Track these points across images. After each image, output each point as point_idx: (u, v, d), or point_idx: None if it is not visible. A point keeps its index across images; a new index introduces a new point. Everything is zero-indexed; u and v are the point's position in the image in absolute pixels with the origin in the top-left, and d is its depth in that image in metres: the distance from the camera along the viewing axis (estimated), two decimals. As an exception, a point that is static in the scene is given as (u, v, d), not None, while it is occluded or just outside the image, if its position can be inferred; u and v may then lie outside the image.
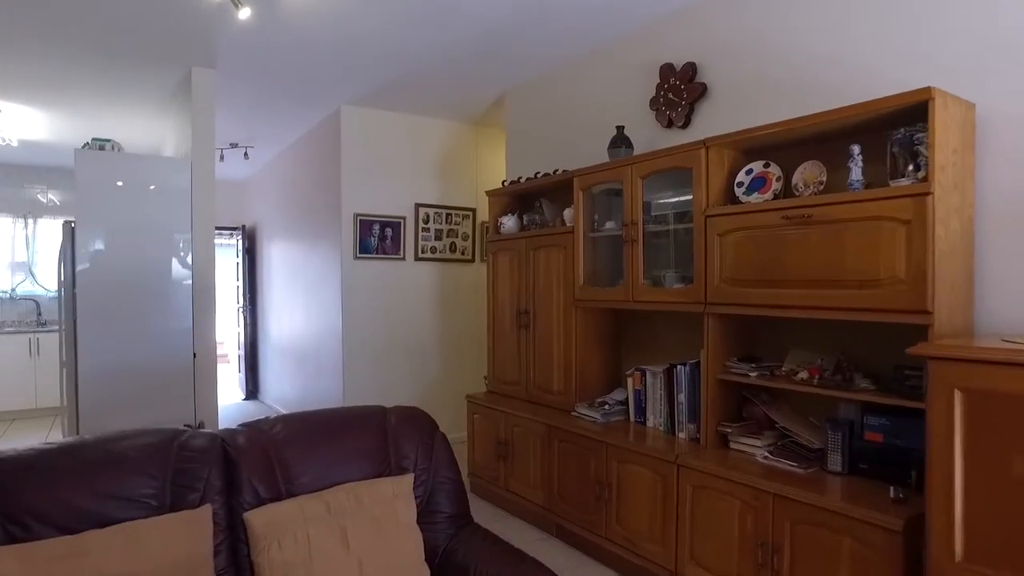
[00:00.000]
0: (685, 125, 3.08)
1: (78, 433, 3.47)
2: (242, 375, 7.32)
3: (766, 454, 2.38)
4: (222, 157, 5.87)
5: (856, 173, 2.08)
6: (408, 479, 1.81)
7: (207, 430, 1.71)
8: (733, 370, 2.54)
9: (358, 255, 4.69)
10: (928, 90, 1.81)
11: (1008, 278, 1.95)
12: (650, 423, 2.97)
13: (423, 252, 4.98)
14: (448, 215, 5.11)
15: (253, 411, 6.55)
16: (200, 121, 3.83)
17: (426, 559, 1.74)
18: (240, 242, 7.28)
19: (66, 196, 6.62)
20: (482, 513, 3.55)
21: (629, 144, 3.15)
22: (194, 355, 3.77)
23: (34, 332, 6.12)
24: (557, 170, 3.52)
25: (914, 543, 1.76)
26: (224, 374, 8.77)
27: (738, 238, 2.41)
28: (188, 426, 3.65)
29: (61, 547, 1.30)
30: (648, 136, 3.25)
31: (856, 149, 2.09)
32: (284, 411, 6.20)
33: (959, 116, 1.91)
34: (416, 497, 1.83)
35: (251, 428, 1.77)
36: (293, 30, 3.33)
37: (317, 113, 4.85)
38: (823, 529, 1.97)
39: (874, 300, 1.97)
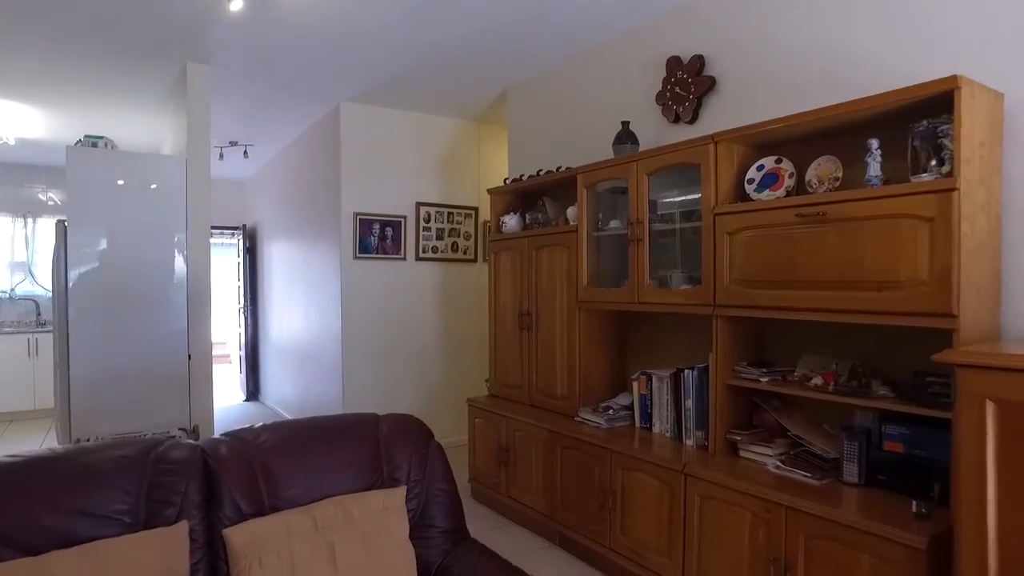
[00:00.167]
0: (692, 120, 2.98)
1: (70, 436, 3.39)
2: (243, 376, 7.25)
3: (778, 463, 2.27)
4: (221, 156, 5.80)
5: (874, 168, 1.97)
6: (400, 492, 1.72)
7: (187, 440, 1.62)
8: (743, 375, 2.44)
9: (358, 255, 4.60)
10: (954, 79, 1.70)
11: (1037, 279, 1.84)
12: (656, 429, 2.86)
13: (424, 252, 4.88)
14: (450, 214, 5.01)
15: (253, 413, 6.47)
16: (195, 117, 3.74)
17: (419, 577, 1.65)
18: (241, 242, 7.20)
19: (66, 195, 6.56)
20: (483, 520, 3.46)
21: (634, 140, 3.05)
22: (189, 357, 3.69)
23: (33, 333, 6.06)
24: (560, 167, 3.42)
25: (940, 562, 1.65)
26: (225, 375, 8.73)
27: (749, 237, 2.31)
28: (183, 430, 3.59)
29: (21, 570, 1.21)
30: (654, 132, 3.14)
31: (874, 143, 1.98)
32: (285, 413, 6.13)
33: (987, 106, 1.79)
34: (409, 511, 1.73)
35: (234, 437, 1.67)
36: (289, 25, 3.24)
37: (316, 110, 4.76)
38: (840, 545, 1.86)
39: (894, 303, 1.86)
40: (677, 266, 2.79)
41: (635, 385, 2.97)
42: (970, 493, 1.41)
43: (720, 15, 2.84)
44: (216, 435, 3.96)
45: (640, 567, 2.57)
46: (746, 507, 2.16)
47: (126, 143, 5.43)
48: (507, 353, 3.69)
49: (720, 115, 2.84)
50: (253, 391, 7.20)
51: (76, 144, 3.56)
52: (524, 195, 3.87)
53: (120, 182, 3.49)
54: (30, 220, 6.54)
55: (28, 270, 6.53)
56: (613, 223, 3.06)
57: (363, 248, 4.62)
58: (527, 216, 3.67)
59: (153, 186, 3.57)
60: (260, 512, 1.55)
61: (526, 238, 3.52)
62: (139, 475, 1.43)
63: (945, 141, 1.76)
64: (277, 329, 6.40)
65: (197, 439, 3.56)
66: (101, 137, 3.54)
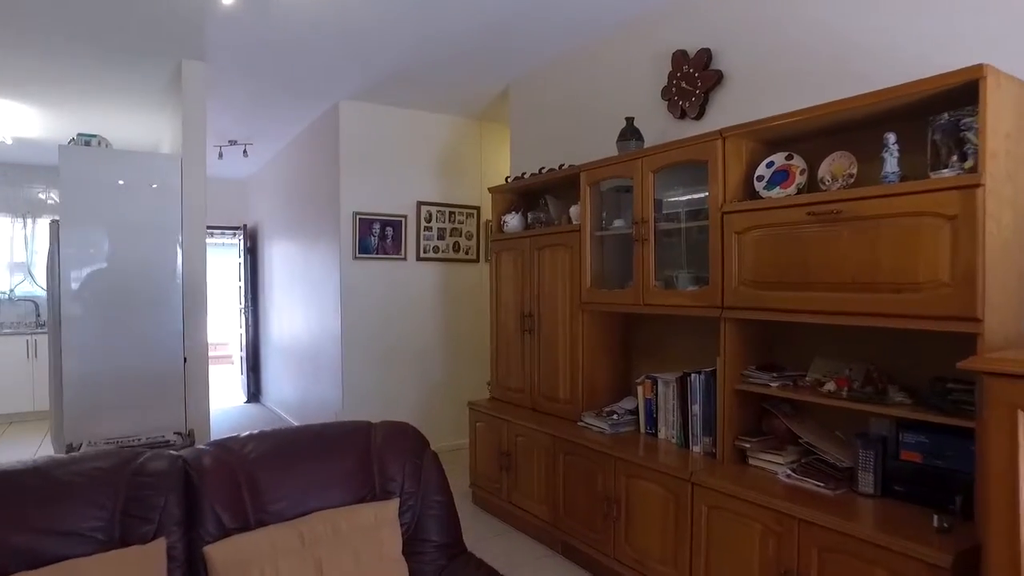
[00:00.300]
0: (699, 116, 2.88)
1: (64, 440, 3.33)
2: (244, 377, 7.18)
3: (789, 472, 2.18)
4: (221, 155, 5.74)
5: (891, 164, 1.88)
6: (393, 505, 1.63)
7: (168, 451, 1.54)
8: (752, 380, 2.34)
9: (357, 255, 4.53)
10: (980, 67, 1.61)
11: (1064, 281, 1.75)
12: (662, 435, 2.77)
13: (425, 252, 4.80)
14: (451, 213, 4.93)
15: (254, 414, 6.41)
16: (190, 115, 3.68)
17: (412, 595, 1.57)
18: (242, 242, 7.14)
19: (58, 194, 6.52)
20: (484, 527, 3.38)
21: (639, 136, 2.96)
22: (184, 359, 3.62)
23: (32, 334, 6.02)
24: (563, 165, 3.33)
25: (963, 581, 1.56)
26: (227, 376, 8.68)
27: (758, 236, 2.22)
28: (178, 434, 3.52)
29: (-17, 593, 1.13)
30: (659, 128, 3.05)
31: (891, 138, 1.88)
32: (286, 415, 6.06)
33: (1014, 97, 1.70)
34: (402, 524, 1.65)
35: (219, 447, 1.60)
36: (286, 20, 3.17)
37: (315, 109, 4.69)
38: (856, 560, 1.77)
39: (913, 305, 1.77)
40: (683, 267, 2.70)
41: (640, 389, 2.88)
42: (1000, 509, 1.32)
43: (728, 7, 2.75)
44: (211, 439, 3.91)
45: (645, 578, 2.48)
46: (756, 518, 2.07)
47: (126, 143, 5.38)
48: (509, 356, 3.61)
49: (728, 110, 2.75)
50: (254, 393, 7.14)
51: (69, 143, 3.49)
52: (526, 194, 3.79)
53: (121, 182, 3.43)
54: (30, 220, 6.49)
55: (28, 271, 6.48)
56: (617, 222, 2.97)
57: (363, 248, 4.55)
58: (529, 215, 3.59)
59: (154, 185, 3.50)
60: (244, 527, 1.48)
61: (528, 238, 3.44)
62: (115, 489, 1.35)
63: (968, 134, 1.66)
64: (278, 330, 6.33)
65: (192, 443, 3.51)
66: (94, 135, 3.47)
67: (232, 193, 7.44)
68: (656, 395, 2.79)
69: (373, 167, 4.60)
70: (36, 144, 5.56)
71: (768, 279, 2.19)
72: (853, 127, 2.15)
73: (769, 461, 2.28)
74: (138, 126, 5.08)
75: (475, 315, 4.98)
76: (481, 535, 3.28)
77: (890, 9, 2.16)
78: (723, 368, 2.37)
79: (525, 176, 3.60)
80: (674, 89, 2.97)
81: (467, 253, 5.02)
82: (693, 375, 2.60)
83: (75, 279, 3.33)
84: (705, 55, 2.82)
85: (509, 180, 3.75)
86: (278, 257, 6.25)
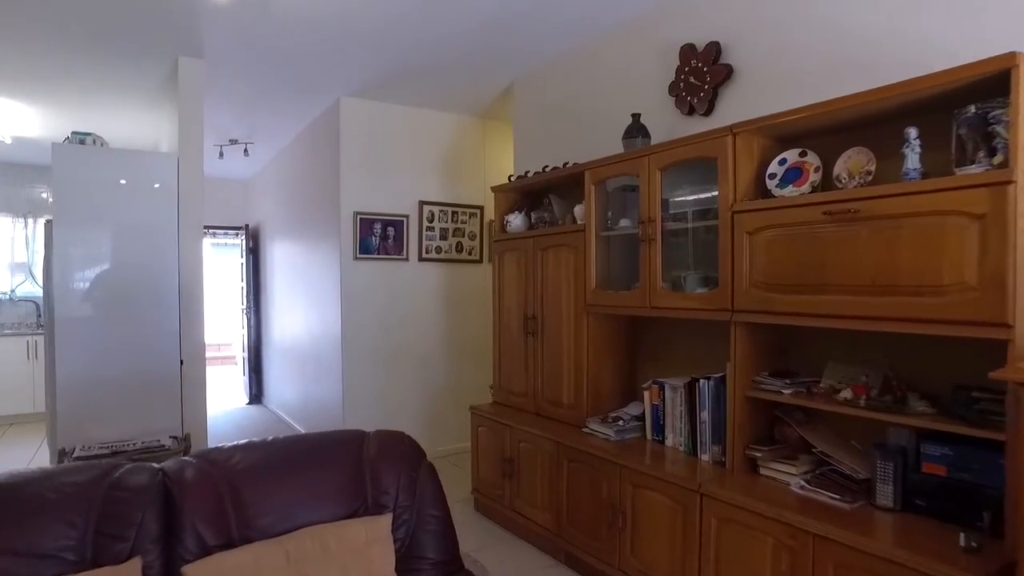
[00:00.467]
0: (708, 112, 2.79)
1: (56, 444, 3.26)
2: (246, 379, 7.13)
3: (802, 483, 2.08)
4: (222, 154, 5.68)
5: (912, 161, 1.78)
6: (385, 520, 1.55)
7: (151, 465, 1.46)
8: (764, 386, 2.25)
9: (358, 255, 4.45)
10: (1012, 56, 1.51)
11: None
12: (669, 442, 2.68)
13: (427, 252, 4.72)
14: (454, 213, 4.85)
15: (255, 417, 6.35)
16: (187, 113, 3.61)
17: (405, 616, 1.49)
18: (244, 242, 7.08)
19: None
20: (486, 534, 3.29)
21: (646, 133, 2.86)
22: (181, 362, 3.55)
23: (33, 335, 5.97)
24: (567, 163, 3.24)
25: (992, 604, 1.46)
26: (229, 377, 8.63)
27: (771, 237, 2.12)
28: (174, 438, 3.45)
29: (-61, 621, 1.05)
30: (667, 125, 2.96)
31: (912, 132, 1.79)
32: (287, 417, 6.00)
33: (1045, 89, 1.60)
34: (396, 540, 1.57)
35: (203, 459, 1.52)
36: (285, 16, 3.10)
37: (316, 106, 4.61)
38: (875, 579, 1.67)
39: (936, 310, 1.67)
40: (692, 268, 2.61)
41: (646, 395, 2.78)
42: (1036, 532, 1.23)
43: (738, -1, 2.65)
44: (209, 442, 3.84)
45: (652, 592, 2.39)
46: (768, 532, 1.97)
47: (125, 142, 5.32)
48: (511, 359, 3.52)
49: (738, 106, 2.66)
50: (256, 394, 7.08)
51: (64, 141, 3.42)
52: (529, 193, 3.70)
53: (123, 182, 3.37)
54: (30, 220, 6.45)
55: (28, 271, 6.44)
56: (623, 222, 2.88)
57: (364, 248, 4.47)
58: (532, 215, 3.50)
59: (155, 185, 3.43)
60: (228, 544, 1.40)
61: (531, 238, 3.35)
62: (88, 505, 1.28)
63: (998, 128, 1.56)
64: (279, 331, 6.27)
65: (188, 448, 3.44)
66: (89, 134, 3.41)
67: (234, 193, 7.39)
68: (663, 401, 2.70)
69: (374, 166, 4.52)
70: (37, 144, 5.51)
71: (781, 281, 2.09)
72: (871, 122, 2.05)
73: (781, 471, 2.19)
74: (138, 125, 5.02)
75: (478, 317, 4.89)
76: (483, 543, 3.19)
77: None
78: (733, 373, 2.28)
79: (528, 175, 3.51)
80: (682, 84, 2.88)
81: (470, 254, 4.93)
82: (702, 380, 2.50)
83: (69, 280, 3.26)
84: (714, 49, 2.72)
85: (512, 179, 3.66)
86: (279, 257, 6.19)
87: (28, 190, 6.45)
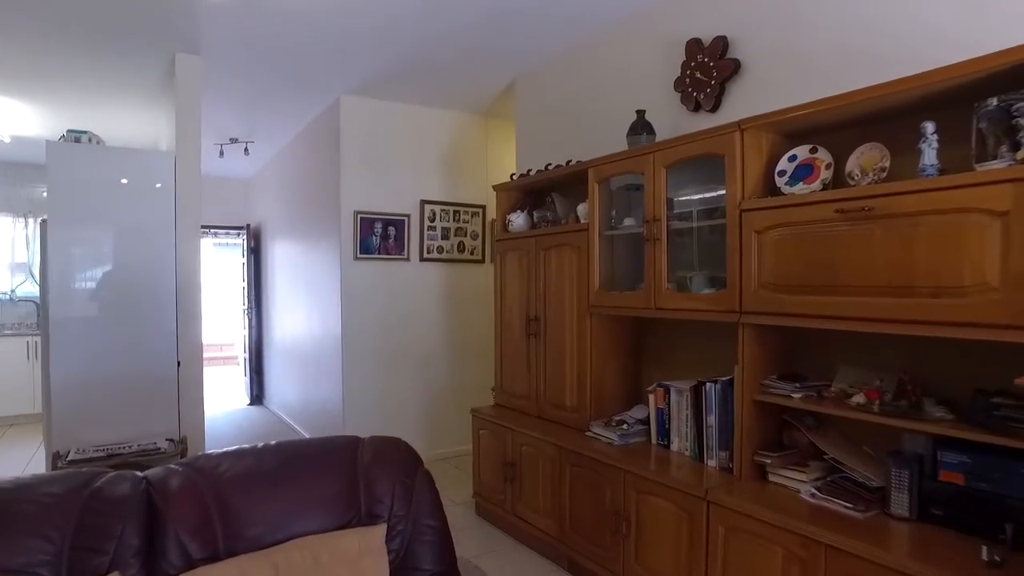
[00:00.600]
0: (714, 108, 2.72)
1: (51, 446, 3.22)
2: (247, 379, 7.08)
3: (813, 491, 2.01)
4: (222, 153, 5.63)
5: (929, 156, 1.71)
6: (379, 531, 1.49)
7: (135, 474, 1.40)
8: (773, 390, 2.18)
9: (359, 255, 4.39)
10: (1037, 45, 1.44)
11: None
12: (675, 447, 2.61)
13: (429, 252, 4.66)
14: (456, 212, 4.78)
15: (256, 418, 6.30)
16: (184, 111, 3.55)
17: (400, 631, 1.42)
18: (245, 242, 7.04)
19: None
20: (487, 539, 3.23)
21: (651, 130, 2.80)
22: (178, 363, 3.50)
23: (33, 335, 5.93)
24: (570, 161, 3.18)
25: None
26: (231, 377, 8.59)
27: (780, 236, 2.05)
28: (170, 440, 3.40)
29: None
30: (672, 121, 2.89)
31: (929, 127, 1.71)
32: (288, 419, 5.94)
33: (1072, 80, 1.53)
34: (390, 552, 1.50)
35: (189, 467, 1.46)
36: (283, 13, 3.04)
37: (316, 104, 4.56)
38: (891, 593, 1.60)
39: (955, 312, 1.60)
40: (698, 268, 2.53)
41: (651, 398, 2.72)
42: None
43: (745, -9, 2.58)
44: (206, 445, 3.78)
45: (657, 601, 2.32)
46: (778, 542, 1.90)
47: (125, 141, 5.28)
48: (513, 361, 3.46)
49: (745, 102, 2.59)
50: (257, 395, 7.03)
51: (60, 139, 3.37)
52: (532, 192, 3.63)
53: (124, 181, 3.32)
54: (31, 220, 6.42)
55: (29, 271, 6.41)
56: (627, 221, 2.81)
57: (364, 248, 4.41)
58: (535, 214, 3.44)
59: (156, 184, 3.38)
60: (213, 557, 1.34)
61: (533, 238, 3.28)
62: (65, 517, 1.22)
63: (1022, 121, 1.49)
64: (280, 332, 6.22)
65: (185, 450, 3.39)
66: (85, 132, 3.36)
67: (236, 192, 7.35)
68: (669, 404, 2.63)
69: (375, 165, 4.46)
70: (37, 143, 5.46)
71: (791, 282, 2.02)
72: (885, 117, 1.98)
73: (791, 478, 2.12)
74: (137, 124, 4.98)
75: (481, 317, 4.83)
76: (484, 548, 3.13)
77: (925, -12, 1.99)
78: (741, 377, 2.21)
79: (531, 173, 3.45)
80: (688, 80, 2.81)
81: (472, 253, 4.87)
82: (708, 384, 2.43)
83: (63, 280, 3.22)
84: (721, 43, 2.65)
85: (514, 177, 3.60)
86: (280, 257, 6.14)
87: (28, 189, 6.42)
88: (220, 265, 10.72)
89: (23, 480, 1.27)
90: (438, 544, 1.57)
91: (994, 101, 1.57)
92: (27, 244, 6.41)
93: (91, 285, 3.29)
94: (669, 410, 2.63)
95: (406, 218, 4.55)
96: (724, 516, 2.07)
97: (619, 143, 2.98)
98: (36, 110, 4.62)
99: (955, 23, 1.90)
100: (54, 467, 3.07)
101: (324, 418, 4.86)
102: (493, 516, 3.41)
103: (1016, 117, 1.50)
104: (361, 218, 4.38)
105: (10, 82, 4.00)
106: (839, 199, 1.86)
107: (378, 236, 4.46)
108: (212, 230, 7.39)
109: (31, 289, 6.40)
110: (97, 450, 3.16)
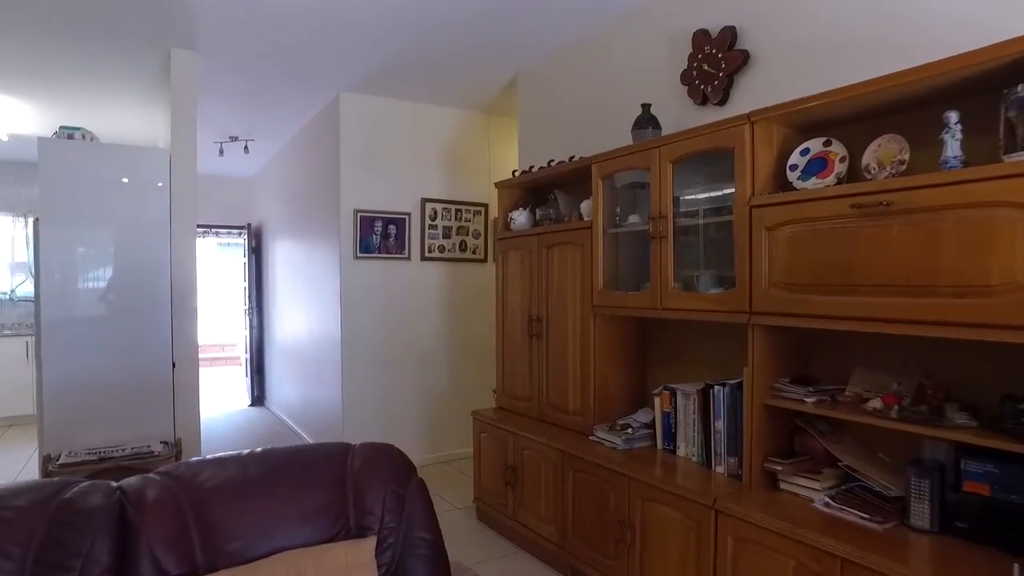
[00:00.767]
0: (723, 101, 2.63)
1: (43, 449, 3.15)
2: (249, 380, 7.02)
3: (827, 500, 1.92)
4: (222, 152, 5.57)
5: (952, 148, 1.61)
6: (368, 544, 1.40)
7: (109, 483, 1.32)
8: (784, 394, 2.08)
9: (358, 254, 4.31)
10: (1075, 25, 1.35)
11: None
12: (681, 452, 2.52)
13: (430, 251, 4.58)
14: (458, 211, 4.70)
15: (256, 419, 6.24)
16: (180, 107, 3.48)
17: (389, 652, 1.34)
18: (246, 241, 6.98)
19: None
20: (488, 545, 3.15)
21: (656, 124, 2.71)
22: (173, 364, 3.43)
23: (33, 335, 5.88)
24: (573, 157, 3.09)
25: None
26: (234, 378, 8.53)
27: (792, 233, 1.96)
28: (165, 443, 3.33)
29: None
30: (678, 115, 2.80)
31: (953, 117, 1.62)
32: (289, 420, 5.88)
33: (1108, 65, 1.43)
34: (380, 566, 1.42)
35: (168, 476, 1.38)
36: (279, 5, 2.96)
37: (315, 101, 4.48)
38: (912, 611, 1.51)
39: (981, 312, 1.50)
40: (706, 267, 2.44)
41: (657, 401, 2.62)
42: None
43: (755, -20, 2.49)
44: (202, 447, 3.70)
45: (663, 614, 2.23)
46: (790, 554, 1.81)
47: (124, 140, 5.22)
48: (515, 363, 3.37)
49: (755, 95, 2.49)
50: (258, 396, 6.97)
51: (53, 136, 3.31)
52: (534, 189, 3.54)
53: (124, 179, 3.27)
54: (31, 219, 6.36)
55: (28, 270, 6.36)
56: (632, 218, 2.72)
57: (364, 247, 4.33)
58: (537, 212, 3.35)
59: (127, 179, 3.31)
60: (191, 573, 1.26)
61: (536, 236, 3.20)
62: (30, 532, 1.14)
63: (1055, 109, 1.40)
64: (281, 333, 6.16)
65: (179, 453, 3.31)
66: (78, 128, 3.29)
67: (237, 191, 7.29)
68: (675, 408, 2.54)
69: (375, 162, 4.39)
70: (35, 141, 5.42)
71: (803, 281, 1.93)
72: (903, 107, 1.89)
73: (803, 486, 2.02)
74: (137, 123, 4.92)
75: (483, 318, 4.74)
76: (485, 555, 3.05)
77: (945, -27, 1.89)
78: (751, 380, 2.11)
79: (533, 170, 3.36)
80: (695, 72, 2.72)
81: (474, 252, 4.79)
82: (716, 387, 2.34)
83: (56, 280, 3.15)
84: (729, 34, 2.56)
85: (516, 174, 3.51)
86: (281, 257, 6.08)
87: (28, 188, 6.37)
88: (223, 265, 10.68)
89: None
90: (431, 558, 1.49)
91: (1023, 88, 1.47)
92: (27, 243, 6.36)
93: (85, 285, 3.23)
94: (675, 414, 2.54)
95: (407, 217, 4.47)
96: (733, 526, 1.98)
97: (624, 139, 2.89)
98: (35, 108, 4.57)
99: (978, 8, 1.81)
100: (44, 470, 3.01)
101: (324, 420, 4.78)
102: (495, 521, 3.32)
103: (1049, 104, 1.41)
104: (361, 217, 4.31)
105: (8, 79, 3.95)
106: (856, 193, 1.77)
107: (378, 235, 4.39)
108: (214, 230, 7.34)
109: (31, 289, 6.35)
110: (90, 453, 3.09)
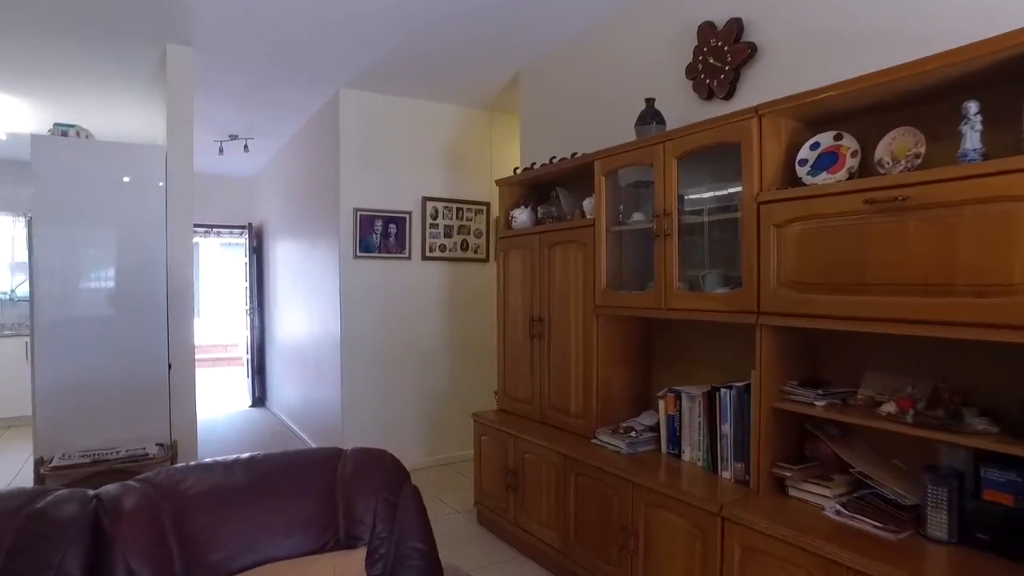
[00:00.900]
0: (729, 95, 2.56)
1: (36, 453, 3.10)
2: (250, 381, 6.97)
3: (839, 508, 1.84)
4: (222, 150, 5.52)
5: (972, 140, 1.54)
6: (358, 555, 1.34)
7: (85, 492, 1.26)
8: (793, 397, 2.01)
9: (358, 254, 4.25)
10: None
11: None
12: (686, 456, 2.44)
13: (431, 251, 4.51)
14: (459, 210, 4.64)
15: (257, 420, 6.19)
16: (176, 103, 3.43)
17: (379, 669, 1.27)
18: (248, 241, 6.93)
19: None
20: (489, 550, 3.08)
21: (661, 120, 2.63)
22: (169, 366, 3.37)
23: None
24: (575, 153, 3.02)
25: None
26: (234, 379, 8.49)
27: (802, 230, 1.89)
28: (160, 445, 3.28)
29: None
30: (683, 110, 2.73)
31: (972, 108, 1.54)
32: (289, 421, 5.83)
33: None
34: (370, 578, 1.36)
35: (148, 484, 1.32)
36: (278, 2, 2.90)
37: (315, 99, 4.43)
38: (930, 627, 1.44)
39: (1003, 312, 1.43)
40: (712, 266, 2.37)
41: (661, 404, 2.55)
42: None
43: (762, -30, 2.41)
44: (199, 449, 3.65)
45: (667, 624, 2.16)
46: (800, 565, 1.73)
47: (125, 139, 5.18)
48: (516, 364, 3.30)
49: (762, 89, 2.42)
50: (260, 397, 6.93)
51: (47, 134, 3.27)
52: (536, 186, 3.48)
53: (126, 179, 3.22)
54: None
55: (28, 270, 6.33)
56: (636, 216, 2.65)
57: (364, 247, 4.27)
58: (539, 210, 3.28)
59: (123, 177, 3.26)
60: (169, 586, 1.19)
61: (537, 234, 3.13)
62: (-4, 543, 1.08)
63: (1083, 96, 1.32)
64: (282, 333, 6.10)
65: (175, 455, 3.26)
66: (73, 125, 3.25)
67: (239, 191, 7.25)
68: (680, 411, 2.46)
69: (375, 160, 4.32)
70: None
71: (814, 280, 1.86)
72: (918, 99, 1.81)
73: (814, 493, 1.95)
74: (138, 121, 4.87)
75: (485, 318, 4.67)
76: (486, 560, 2.98)
77: (962, -42, 1.82)
78: (759, 383, 2.04)
79: (535, 167, 3.29)
80: (700, 66, 2.64)
81: (476, 252, 4.72)
82: (723, 390, 2.26)
83: (50, 279, 3.11)
84: (735, 26, 2.49)
85: (517, 172, 3.45)
86: (282, 257, 6.03)
87: (28, 188, 6.31)
88: (226, 265, 10.66)
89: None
90: (425, 569, 1.42)
91: (1049, 75, 1.40)
92: (26, 243, 6.33)
93: (79, 284, 3.18)
94: (680, 417, 2.46)
95: (407, 215, 4.41)
96: (741, 535, 1.91)
97: (627, 134, 2.81)
98: (33, 106, 4.53)
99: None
100: (36, 473, 2.96)
101: (324, 422, 4.73)
102: (495, 526, 3.25)
103: (1076, 92, 1.33)
104: (361, 216, 4.25)
105: (6, 77, 3.91)
106: (869, 188, 1.70)
107: (378, 234, 4.33)
108: (215, 229, 7.30)
109: (31, 289, 6.33)
110: (83, 455, 3.04)
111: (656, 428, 2.61)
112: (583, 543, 2.58)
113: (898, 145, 1.77)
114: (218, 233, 7.51)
